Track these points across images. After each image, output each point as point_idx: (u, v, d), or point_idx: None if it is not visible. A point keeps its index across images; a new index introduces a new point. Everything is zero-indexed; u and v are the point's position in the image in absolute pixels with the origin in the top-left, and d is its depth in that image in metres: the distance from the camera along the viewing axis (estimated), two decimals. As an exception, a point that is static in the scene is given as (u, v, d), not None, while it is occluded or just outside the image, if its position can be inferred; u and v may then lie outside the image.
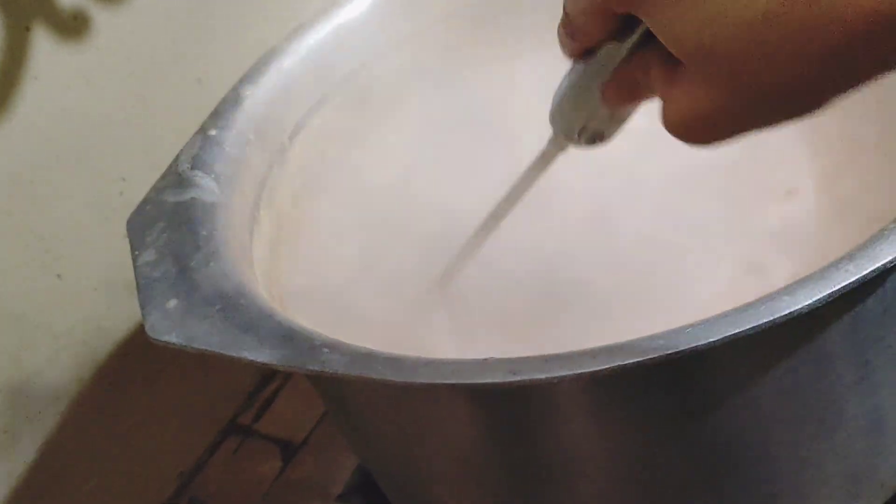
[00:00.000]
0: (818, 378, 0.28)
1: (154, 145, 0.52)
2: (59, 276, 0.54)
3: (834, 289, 0.23)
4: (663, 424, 0.29)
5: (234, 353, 0.29)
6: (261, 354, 0.28)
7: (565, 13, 0.24)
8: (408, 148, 0.46)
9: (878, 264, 0.24)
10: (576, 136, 0.28)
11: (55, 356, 0.55)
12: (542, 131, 0.46)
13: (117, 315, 0.57)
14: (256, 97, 0.42)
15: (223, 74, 0.44)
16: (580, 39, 0.24)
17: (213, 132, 0.40)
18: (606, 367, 0.24)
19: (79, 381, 0.56)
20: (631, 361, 0.24)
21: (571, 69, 0.27)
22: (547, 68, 0.48)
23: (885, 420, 0.31)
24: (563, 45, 0.25)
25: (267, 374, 0.69)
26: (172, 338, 0.30)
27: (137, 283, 0.33)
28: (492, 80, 0.49)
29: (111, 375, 0.58)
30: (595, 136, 0.28)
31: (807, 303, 0.23)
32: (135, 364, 0.59)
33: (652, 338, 0.25)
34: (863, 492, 0.34)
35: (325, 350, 0.28)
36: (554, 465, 0.30)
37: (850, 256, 0.24)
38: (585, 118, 0.27)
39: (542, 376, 0.24)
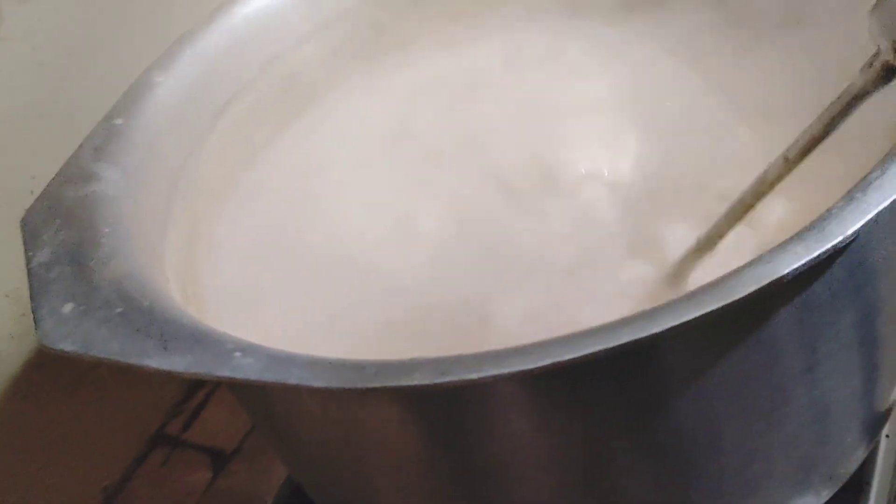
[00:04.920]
0: (766, 368, 0.27)
1: (70, 141, 0.49)
2: (-36, 282, 0.50)
3: (783, 272, 0.22)
4: (605, 420, 0.27)
5: (134, 361, 0.26)
6: (165, 361, 0.26)
7: None
8: (335, 139, 0.44)
9: (828, 245, 0.22)
10: None
11: (-38, 368, 0.51)
12: (486, 122, 0.45)
13: (29, 322, 0.54)
14: (169, 84, 0.39)
15: (144, 65, 0.41)
16: None
17: (119, 121, 0.37)
18: (541, 364, 0.22)
19: (-11, 396, 0.53)
20: (567, 358, 0.22)
21: None
22: (490, 51, 0.47)
23: (834, 409, 0.30)
24: None
25: (196, 381, 0.66)
26: (67, 345, 0.27)
27: (30, 286, 0.30)
28: (428, 65, 0.47)
29: (26, 387, 0.54)
30: None
31: (754, 287, 0.22)
32: (52, 374, 0.55)
33: (590, 331, 0.23)
34: (812, 483, 0.32)
35: (237, 354, 0.25)
36: (493, 467, 0.28)
37: (798, 237, 0.22)
38: None
39: (474, 376, 0.22)
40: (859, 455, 0.34)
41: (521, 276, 0.36)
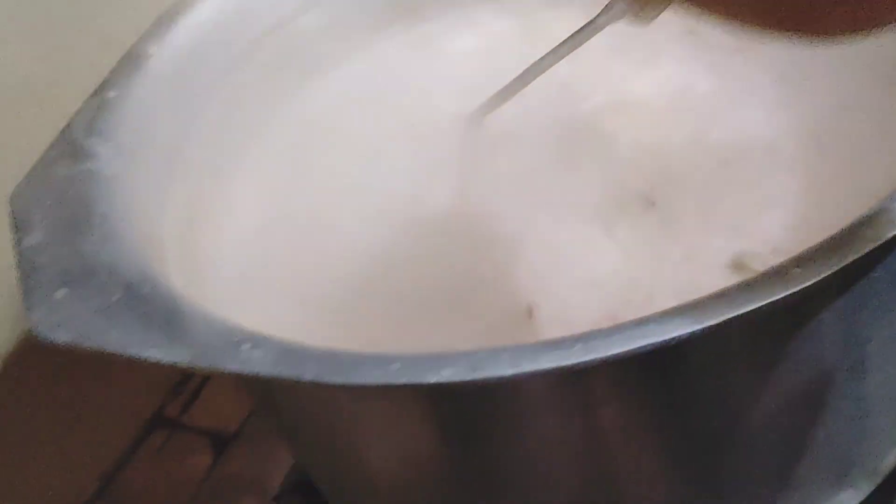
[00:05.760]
0: (817, 361, 0.25)
1: (61, 118, 0.47)
2: (-49, 263, 0.48)
3: (850, 259, 0.20)
4: (642, 417, 0.25)
5: (135, 353, 0.24)
6: (168, 353, 0.24)
7: None
8: (339, 110, 0.42)
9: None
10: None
11: (-53, 351, 0.49)
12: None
13: (16, 304, 0.52)
14: (162, 55, 0.37)
15: (135, 36, 0.39)
16: None
17: (112, 94, 0.35)
18: (585, 360, 0.20)
19: (-24, 379, 0.51)
20: (614, 353, 0.20)
21: None
22: (504, 21, 0.45)
23: (882, 401, 0.28)
24: None
25: (194, 362, 0.64)
26: (61, 335, 0.25)
27: (20, 271, 0.28)
28: (438, 39, 0.44)
29: (15, 371, 0.53)
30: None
31: (819, 277, 0.20)
32: (42, 356, 0.53)
33: (634, 324, 0.21)
34: (853, 478, 0.31)
35: (246, 346, 0.23)
36: (518, 469, 0.26)
37: (867, 220, 0.20)
38: None
39: (509, 373, 0.20)
40: (901, 446, 0.32)
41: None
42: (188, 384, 0.64)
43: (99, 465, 0.59)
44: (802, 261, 0.20)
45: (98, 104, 0.34)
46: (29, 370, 0.53)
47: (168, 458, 0.60)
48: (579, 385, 0.23)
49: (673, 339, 0.20)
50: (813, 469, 0.29)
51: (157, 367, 0.65)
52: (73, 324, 0.26)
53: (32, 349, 0.53)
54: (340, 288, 0.35)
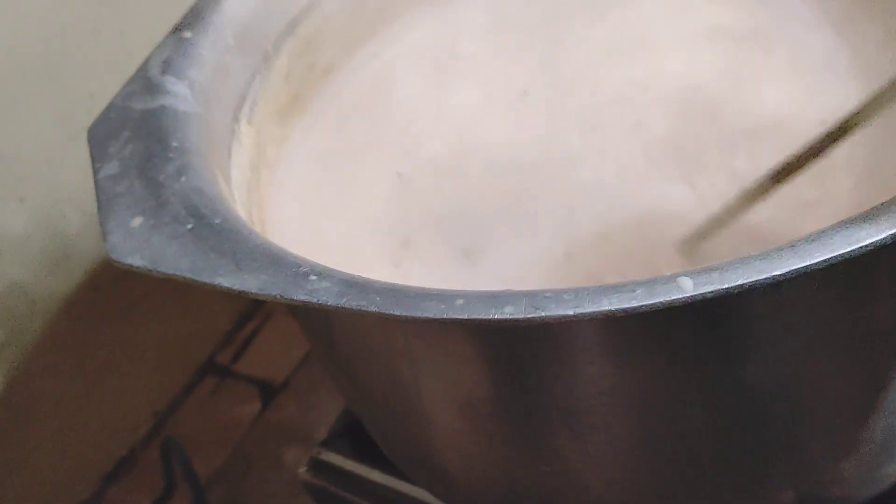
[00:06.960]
0: (873, 323, 0.25)
1: (126, 58, 0.48)
2: (21, 199, 0.50)
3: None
4: (695, 369, 0.25)
5: (206, 279, 0.25)
6: (238, 281, 0.24)
7: None
8: (409, 63, 0.42)
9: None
10: None
11: (16, 287, 0.51)
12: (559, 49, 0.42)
13: (86, 244, 0.54)
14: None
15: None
16: None
17: (187, 34, 0.35)
18: (645, 304, 0.20)
19: (43, 315, 0.53)
20: (677, 298, 0.20)
21: None
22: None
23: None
24: None
25: (246, 313, 0.66)
26: (136, 260, 0.26)
27: (98, 199, 0.29)
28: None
29: (79, 309, 0.54)
30: None
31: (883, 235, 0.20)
32: (105, 298, 0.55)
33: (702, 270, 0.21)
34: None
35: (313, 278, 0.24)
36: (571, 411, 0.27)
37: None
38: None
39: (570, 312, 0.21)
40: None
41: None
42: (239, 334, 0.65)
43: (153, 406, 0.61)
44: (867, 220, 0.20)
45: (174, 44, 0.35)
46: (91, 311, 0.55)
47: (218, 404, 0.62)
48: (636, 330, 0.24)
49: (734, 287, 0.20)
50: (863, 438, 0.29)
51: (211, 314, 0.67)
52: (147, 250, 0.26)
53: (95, 291, 0.55)
54: (400, 234, 0.35)
